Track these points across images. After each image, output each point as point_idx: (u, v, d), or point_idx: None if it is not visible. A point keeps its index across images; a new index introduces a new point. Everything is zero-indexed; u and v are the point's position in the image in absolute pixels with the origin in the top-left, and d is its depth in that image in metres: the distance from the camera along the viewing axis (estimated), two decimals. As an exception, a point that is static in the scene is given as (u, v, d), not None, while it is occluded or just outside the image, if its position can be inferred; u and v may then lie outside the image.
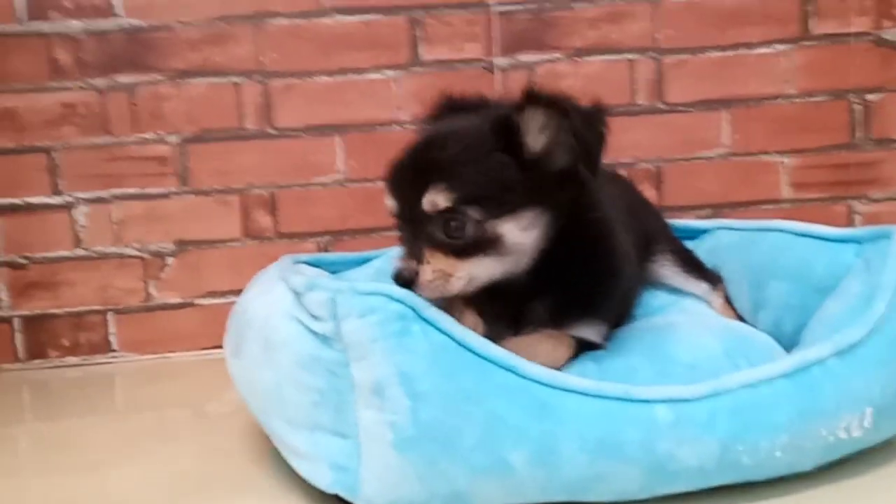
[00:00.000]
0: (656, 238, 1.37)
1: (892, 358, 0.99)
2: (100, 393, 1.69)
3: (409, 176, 1.00)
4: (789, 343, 1.17)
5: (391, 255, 1.62)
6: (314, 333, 0.95)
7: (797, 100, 1.91)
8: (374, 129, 1.88)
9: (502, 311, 1.07)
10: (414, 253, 0.99)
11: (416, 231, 0.99)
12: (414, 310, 0.92)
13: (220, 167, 1.86)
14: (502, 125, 0.99)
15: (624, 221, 1.17)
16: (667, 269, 1.35)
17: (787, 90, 1.91)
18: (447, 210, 0.97)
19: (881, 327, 0.99)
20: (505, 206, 0.98)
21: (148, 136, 1.85)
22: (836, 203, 1.94)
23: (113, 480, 1.15)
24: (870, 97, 1.92)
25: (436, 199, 0.97)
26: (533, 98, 0.97)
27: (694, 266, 1.37)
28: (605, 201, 1.10)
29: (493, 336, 0.99)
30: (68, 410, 1.55)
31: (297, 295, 0.99)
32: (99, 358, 1.89)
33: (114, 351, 1.89)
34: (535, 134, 0.98)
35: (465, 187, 0.97)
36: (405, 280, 0.97)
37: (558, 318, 1.07)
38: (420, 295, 0.95)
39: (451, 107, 1.17)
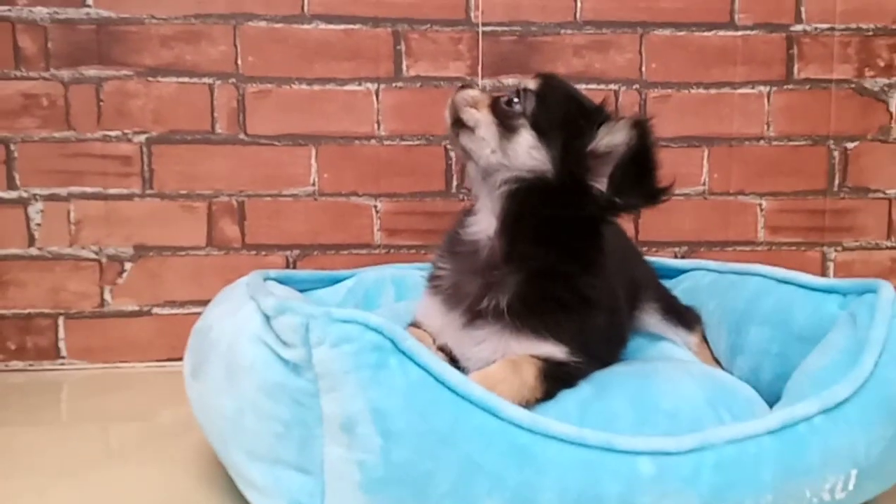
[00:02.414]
0: (644, 286, 1.36)
1: (879, 417, 0.96)
2: (45, 401, 1.60)
3: None
4: (767, 391, 1.14)
5: (363, 276, 1.57)
6: (283, 360, 0.89)
7: (777, 142, 1.91)
8: (350, 143, 1.82)
9: (464, 290, 1.07)
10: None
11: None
12: (392, 341, 0.87)
13: (186, 171, 1.79)
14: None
15: (616, 266, 1.15)
16: (650, 317, 1.33)
17: (767, 132, 1.90)
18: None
19: (867, 386, 0.96)
20: (552, 131, 1.03)
21: (112, 133, 1.77)
22: (811, 249, 1.94)
23: (49, 497, 1.08)
24: (849, 145, 1.92)
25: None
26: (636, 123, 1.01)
27: (676, 313, 1.34)
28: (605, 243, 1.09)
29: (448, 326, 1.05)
30: (9, 418, 1.46)
31: (267, 318, 0.93)
32: (46, 364, 1.80)
33: (62, 357, 1.80)
34: (610, 135, 1.01)
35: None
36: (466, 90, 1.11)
37: (516, 319, 1.03)
38: (458, 109, 1.09)
39: None
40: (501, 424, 0.87)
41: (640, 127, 0.99)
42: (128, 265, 1.80)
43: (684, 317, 1.35)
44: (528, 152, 1.04)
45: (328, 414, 0.86)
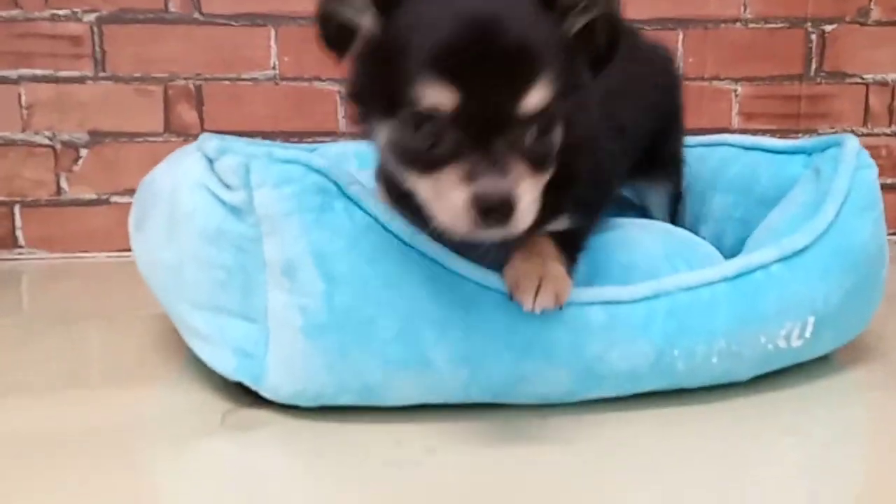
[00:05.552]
0: (664, 143, 1.26)
1: (838, 266, 0.94)
2: (3, 291, 1.56)
3: (496, 63, 0.72)
4: (729, 257, 1.13)
5: (325, 150, 1.52)
6: (223, 204, 0.85)
7: (753, 25, 1.85)
8: (311, 24, 1.74)
9: None
10: (500, 167, 0.72)
11: (498, 139, 0.73)
12: (337, 184, 0.84)
13: (140, 53, 1.72)
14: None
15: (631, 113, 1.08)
16: (657, 196, 1.29)
17: (744, 14, 1.84)
18: (544, 111, 0.74)
19: (827, 235, 0.94)
20: (566, 105, 0.78)
21: (61, 12, 1.69)
22: (785, 136, 1.90)
23: (11, 372, 1.05)
24: (826, 28, 1.86)
25: (540, 97, 0.73)
26: None
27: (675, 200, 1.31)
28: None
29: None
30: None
31: (210, 162, 0.89)
32: (4, 254, 1.75)
33: (20, 247, 1.76)
34: (578, 13, 0.80)
35: (559, 80, 0.74)
36: (497, 208, 0.71)
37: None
38: (515, 230, 0.73)
39: None
40: (449, 275, 0.84)
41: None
42: (83, 151, 1.74)
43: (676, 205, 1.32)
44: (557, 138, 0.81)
45: (270, 259, 0.83)
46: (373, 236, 0.84)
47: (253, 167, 0.83)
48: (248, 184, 0.83)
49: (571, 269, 0.88)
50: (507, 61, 0.72)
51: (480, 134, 0.72)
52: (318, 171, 0.83)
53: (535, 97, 0.73)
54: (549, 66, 0.74)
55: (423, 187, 0.76)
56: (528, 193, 0.73)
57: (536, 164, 0.75)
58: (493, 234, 0.73)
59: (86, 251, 1.77)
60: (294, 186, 0.82)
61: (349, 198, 0.84)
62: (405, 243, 0.84)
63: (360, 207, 0.84)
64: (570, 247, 0.91)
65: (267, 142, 1.44)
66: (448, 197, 0.73)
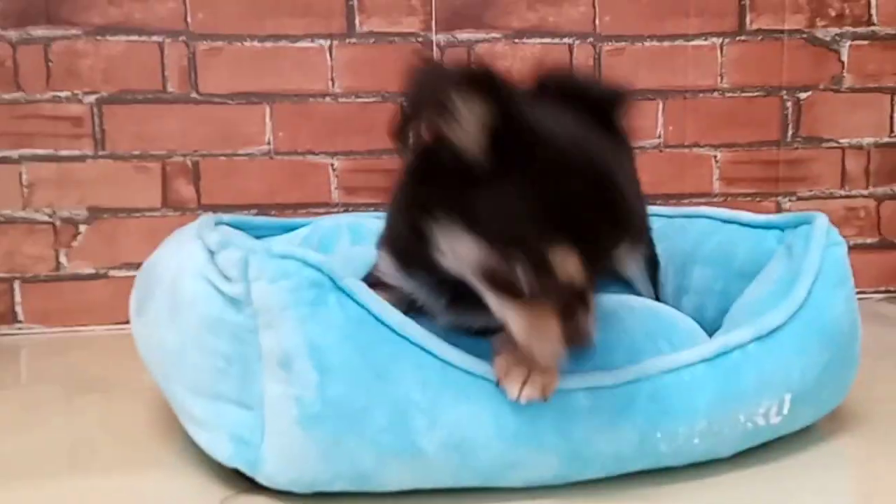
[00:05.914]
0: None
1: (812, 344, 0.98)
2: (2, 365, 1.58)
3: (610, 222, 0.78)
4: (711, 328, 1.16)
5: (319, 224, 1.57)
6: (223, 295, 0.89)
7: (730, 94, 1.92)
8: (305, 101, 1.81)
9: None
10: (586, 305, 0.81)
11: (588, 278, 0.79)
12: (331, 278, 0.87)
13: (139, 131, 1.77)
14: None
15: None
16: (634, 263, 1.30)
17: (721, 84, 1.91)
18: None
19: (801, 313, 0.98)
20: None
21: (62, 94, 1.74)
22: (766, 199, 1.96)
23: (8, 449, 1.08)
24: (801, 95, 1.93)
25: (621, 252, 0.81)
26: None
27: (653, 267, 1.33)
28: None
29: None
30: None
31: (211, 253, 0.93)
32: (3, 329, 1.78)
33: (19, 322, 1.79)
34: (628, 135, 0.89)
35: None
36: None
37: None
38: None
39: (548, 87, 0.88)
40: (439, 364, 0.87)
41: None
42: (82, 227, 1.78)
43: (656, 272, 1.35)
44: None
45: (267, 350, 0.86)
46: (365, 328, 0.87)
47: (251, 261, 0.87)
48: (246, 277, 0.87)
49: None
50: (620, 223, 0.79)
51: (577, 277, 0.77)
52: (312, 266, 0.87)
53: (626, 243, 0.80)
54: (639, 216, 0.83)
55: (509, 310, 0.81)
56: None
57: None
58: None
59: (84, 325, 1.80)
60: (290, 281, 0.86)
61: (342, 290, 0.87)
62: (396, 333, 0.88)
63: (353, 300, 0.87)
64: None
65: (264, 219, 1.49)
66: (542, 328, 0.79)
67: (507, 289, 0.80)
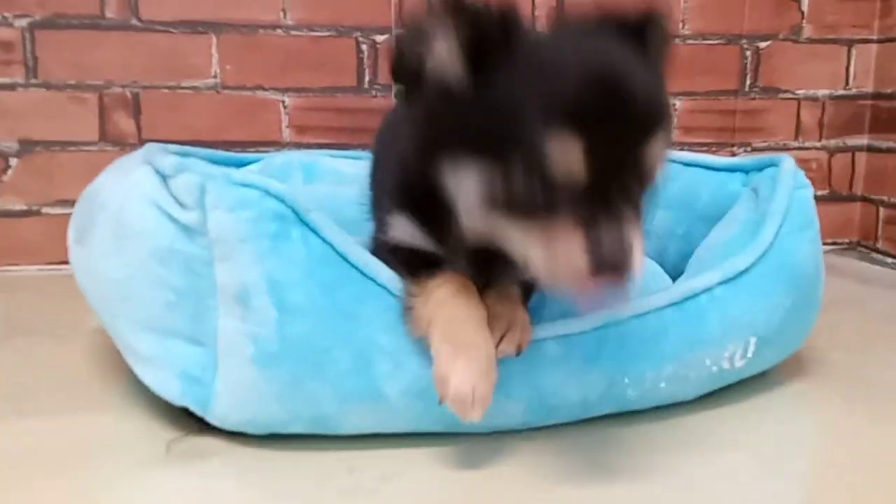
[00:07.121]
0: None
1: (777, 287, 0.97)
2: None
3: (624, 118, 0.70)
4: (673, 273, 1.15)
5: (270, 160, 1.50)
6: (176, 223, 0.83)
7: (691, 41, 1.90)
8: (255, 32, 1.72)
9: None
10: (618, 219, 0.69)
11: (615, 190, 0.70)
12: (295, 211, 0.82)
13: (74, 59, 1.66)
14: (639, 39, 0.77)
15: None
16: None
17: (682, 30, 1.89)
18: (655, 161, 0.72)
19: (768, 255, 0.97)
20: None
21: (-9, 16, 1.62)
22: (721, 149, 1.95)
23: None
24: (761, 44, 1.92)
25: (659, 148, 0.72)
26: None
27: None
28: None
29: None
30: None
31: (164, 178, 0.86)
32: (-72, 267, 1.68)
33: (-55, 260, 1.68)
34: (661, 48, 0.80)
35: (669, 131, 0.74)
36: (620, 267, 0.68)
37: None
38: (626, 289, 0.70)
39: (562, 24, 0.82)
40: (405, 306, 0.83)
41: None
42: (13, 161, 1.67)
43: None
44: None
45: (222, 283, 0.81)
46: (329, 266, 0.82)
47: (209, 188, 0.81)
48: (202, 204, 0.81)
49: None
50: (634, 115, 0.70)
51: (599, 184, 0.68)
52: (275, 196, 0.81)
53: (656, 148, 0.71)
54: (665, 115, 0.73)
55: (522, 234, 0.73)
56: (640, 249, 0.70)
57: (641, 215, 0.72)
58: (603, 290, 0.69)
59: (16, 264, 1.70)
60: (250, 211, 0.80)
61: (306, 224, 0.82)
62: (362, 273, 0.83)
63: (318, 235, 0.83)
64: (531, 292, 0.92)
65: (213, 152, 1.41)
66: (561, 246, 0.69)
67: (518, 208, 0.71)
